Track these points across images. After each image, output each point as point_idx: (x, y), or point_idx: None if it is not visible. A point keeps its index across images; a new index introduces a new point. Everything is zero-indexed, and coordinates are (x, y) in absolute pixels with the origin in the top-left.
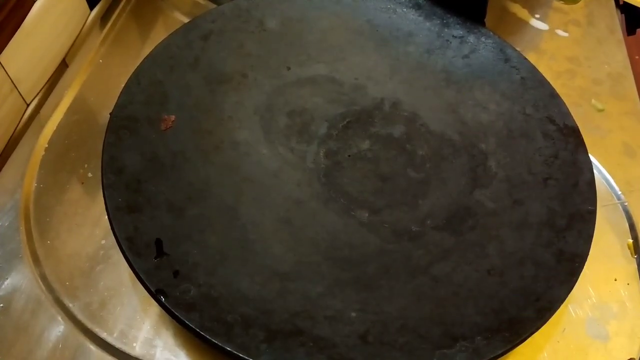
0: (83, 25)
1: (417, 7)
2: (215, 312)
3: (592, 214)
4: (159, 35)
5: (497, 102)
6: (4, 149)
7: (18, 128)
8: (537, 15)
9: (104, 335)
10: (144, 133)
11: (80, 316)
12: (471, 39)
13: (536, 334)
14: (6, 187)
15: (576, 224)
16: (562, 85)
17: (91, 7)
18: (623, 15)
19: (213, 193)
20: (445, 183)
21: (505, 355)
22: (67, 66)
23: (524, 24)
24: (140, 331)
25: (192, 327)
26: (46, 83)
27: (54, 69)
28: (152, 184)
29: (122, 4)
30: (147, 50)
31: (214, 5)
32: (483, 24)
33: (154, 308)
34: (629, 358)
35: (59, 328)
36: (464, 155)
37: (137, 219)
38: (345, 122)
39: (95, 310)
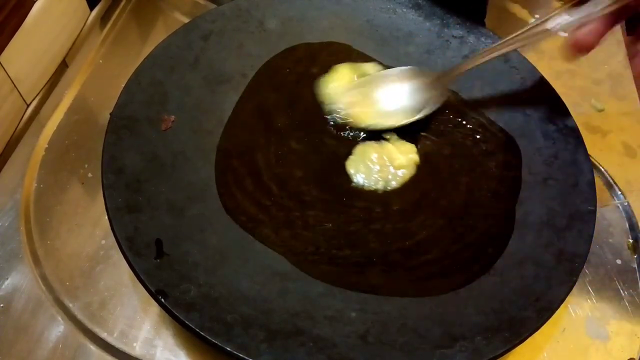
0: (83, 26)
1: (417, 7)
2: (215, 312)
3: (592, 214)
4: (159, 35)
5: (497, 102)
6: (4, 149)
7: (18, 128)
8: (537, 15)
9: (104, 335)
10: (144, 133)
11: (80, 316)
12: (471, 39)
13: (536, 334)
14: (6, 187)
15: (576, 224)
16: (562, 85)
17: (91, 7)
18: None
19: (213, 193)
20: (445, 183)
21: (505, 355)
22: (67, 66)
23: (524, 24)
24: (140, 331)
25: (192, 327)
26: (46, 83)
27: (54, 69)
28: (152, 184)
29: (122, 4)
30: (147, 50)
31: (214, 5)
32: (483, 24)
33: (154, 308)
34: (629, 358)
35: (59, 328)
36: (464, 155)
37: (137, 219)
38: (345, 122)
39: (95, 310)
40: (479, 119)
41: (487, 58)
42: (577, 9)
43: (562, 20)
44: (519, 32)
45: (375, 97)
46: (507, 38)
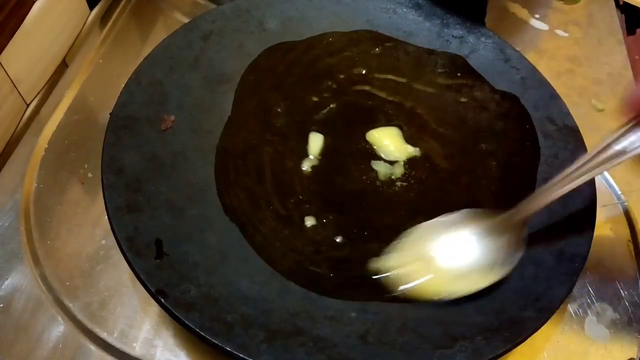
0: (83, 25)
1: (417, 7)
2: (215, 312)
3: (592, 214)
4: (159, 35)
5: (497, 102)
6: (4, 149)
7: (18, 128)
8: (537, 15)
9: (104, 335)
10: (144, 133)
11: (80, 316)
12: (471, 39)
13: (536, 334)
14: (6, 187)
15: (576, 224)
16: (562, 85)
17: (91, 7)
18: (623, 15)
19: (213, 193)
20: (445, 183)
21: (505, 355)
22: (67, 66)
23: (524, 24)
24: (140, 331)
25: (192, 327)
26: (46, 83)
27: (54, 69)
28: (152, 184)
29: (122, 4)
30: (147, 50)
31: (214, 5)
32: (483, 24)
33: (154, 308)
34: (628, 358)
35: (59, 328)
36: (464, 155)
37: (137, 219)
38: (345, 122)
39: (95, 310)
40: (479, 119)
41: (562, 191)
42: None
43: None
44: (591, 155)
45: (436, 257)
46: (580, 165)
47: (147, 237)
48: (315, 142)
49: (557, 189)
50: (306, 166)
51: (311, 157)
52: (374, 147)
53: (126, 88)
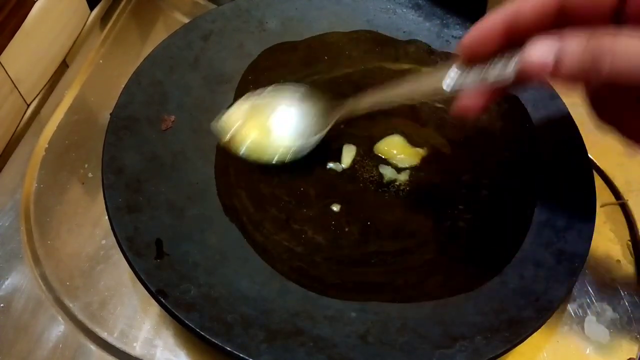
0: (83, 26)
1: (417, 7)
2: (215, 312)
3: (592, 214)
4: (159, 35)
5: (497, 102)
6: (5, 149)
7: (18, 128)
8: None
9: (104, 335)
10: (144, 133)
11: (80, 316)
12: None
13: (536, 334)
14: (6, 187)
15: (576, 224)
16: (562, 86)
17: (91, 8)
18: None
19: (213, 193)
20: (445, 183)
21: (505, 355)
22: (67, 66)
23: None
24: (140, 331)
25: (192, 327)
26: (46, 83)
27: (55, 69)
28: (152, 184)
29: (122, 4)
30: (147, 50)
31: (214, 5)
32: None
33: (154, 308)
34: (628, 358)
35: (59, 328)
36: (464, 155)
37: (137, 219)
38: (345, 122)
39: (95, 310)
40: (478, 119)
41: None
42: (471, 72)
43: (456, 80)
44: (410, 83)
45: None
46: (399, 88)
47: (147, 237)
48: (349, 153)
49: (368, 101)
50: (330, 169)
51: (343, 165)
52: (385, 157)
53: (126, 88)
